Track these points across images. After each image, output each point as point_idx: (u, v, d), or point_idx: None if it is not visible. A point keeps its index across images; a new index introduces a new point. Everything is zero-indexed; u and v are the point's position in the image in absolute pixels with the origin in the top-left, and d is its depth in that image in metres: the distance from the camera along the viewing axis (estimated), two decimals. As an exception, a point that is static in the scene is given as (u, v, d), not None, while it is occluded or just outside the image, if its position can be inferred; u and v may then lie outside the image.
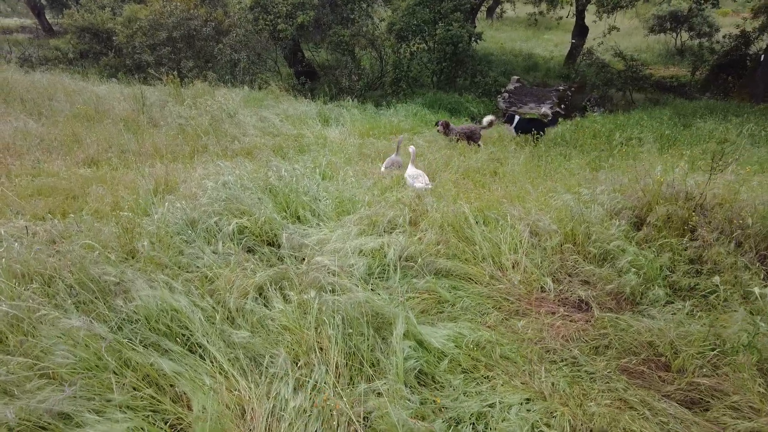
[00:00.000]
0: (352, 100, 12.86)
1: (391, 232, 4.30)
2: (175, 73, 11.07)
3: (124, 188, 5.22)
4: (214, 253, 3.81)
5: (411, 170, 5.71)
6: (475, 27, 16.98)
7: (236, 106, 9.66)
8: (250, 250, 4.14)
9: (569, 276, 3.96)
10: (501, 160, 7.35)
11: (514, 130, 9.06)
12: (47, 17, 26.67)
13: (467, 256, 4.09)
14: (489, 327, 3.41)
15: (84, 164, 6.15)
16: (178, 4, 16.56)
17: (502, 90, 17.25)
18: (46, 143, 6.96)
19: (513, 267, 4.02)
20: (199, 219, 4.27)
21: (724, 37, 17.86)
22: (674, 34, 24.15)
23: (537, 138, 8.81)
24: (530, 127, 8.93)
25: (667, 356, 3.05)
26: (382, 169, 6.36)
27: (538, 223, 4.37)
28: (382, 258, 3.77)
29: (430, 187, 5.47)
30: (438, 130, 8.73)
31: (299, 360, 2.84)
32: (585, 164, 6.85)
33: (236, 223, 4.17)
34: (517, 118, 8.96)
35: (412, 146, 6.03)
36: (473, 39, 14.62)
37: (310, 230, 4.46)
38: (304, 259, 3.91)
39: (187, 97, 10.52)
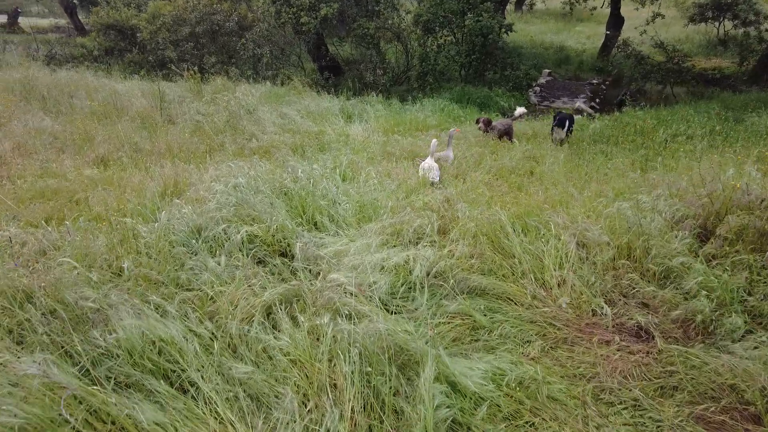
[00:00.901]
0: (377, 96, 12.38)
1: (417, 243, 3.82)
2: (196, 68, 10.82)
3: (131, 191, 4.87)
4: (218, 264, 3.40)
5: (428, 161, 5.60)
6: (505, 19, 16.26)
7: (256, 102, 9.31)
8: (260, 262, 3.72)
9: (624, 297, 3.41)
10: (537, 159, 6.77)
11: (562, 131, 8.07)
12: (79, 17, 26.99)
13: (505, 271, 3.58)
14: (532, 359, 2.90)
15: (93, 164, 5.85)
16: (201, -1, 16.35)
17: (534, 84, 16.51)
18: (60, 142, 6.71)
19: (558, 285, 3.49)
20: (206, 226, 3.88)
21: (775, 24, 16.72)
22: (716, 23, 22.80)
23: (569, 133, 8.15)
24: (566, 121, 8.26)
25: (756, 405, 2.49)
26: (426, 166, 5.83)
27: (586, 233, 3.82)
28: (407, 275, 3.29)
29: (435, 180, 5.44)
30: (479, 128, 8.08)
31: (308, 401, 2.39)
32: (631, 164, 6.22)
33: (246, 231, 3.76)
34: (567, 119, 7.97)
35: (434, 139, 5.73)
36: (504, 30, 13.93)
37: (327, 239, 4.02)
38: (319, 272, 3.48)
39: (207, 93, 10.23)
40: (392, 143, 7.57)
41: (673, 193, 4.19)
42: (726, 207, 3.80)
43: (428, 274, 3.27)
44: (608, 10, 20.05)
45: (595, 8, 20.84)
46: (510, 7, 27.86)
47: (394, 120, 9.11)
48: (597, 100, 15.71)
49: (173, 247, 3.55)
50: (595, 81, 17.96)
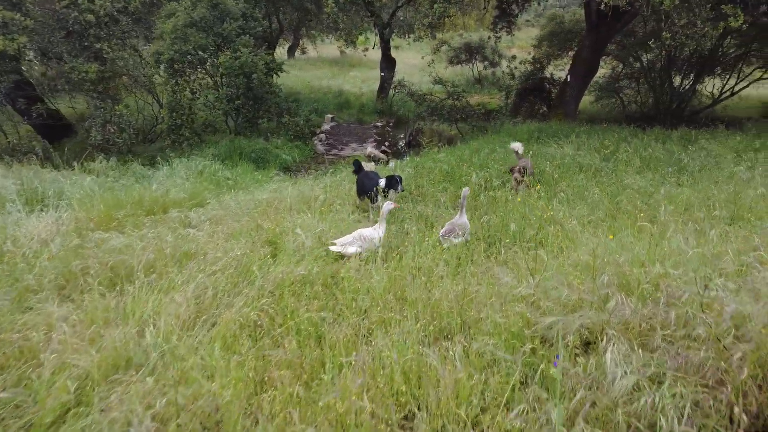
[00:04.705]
0: (108, 161, 8.78)
1: None
2: None
3: None
4: None
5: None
6: (274, 60, 14.18)
7: None
8: None
9: None
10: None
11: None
12: None
13: None
14: None
15: None
16: None
17: (318, 131, 14.70)
18: None
19: None
20: None
21: (521, 63, 18.26)
22: (470, 65, 25.15)
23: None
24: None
25: None
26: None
27: None
28: None
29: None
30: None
31: None
32: (474, 232, 4.26)
33: None
34: (382, 181, 5.86)
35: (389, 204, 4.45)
36: (270, 70, 11.61)
37: None
38: None
39: None
40: (107, 247, 4.31)
41: (628, 330, 2.09)
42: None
43: None
44: (379, 54, 19.87)
45: (367, 49, 20.55)
46: (281, 52, 26.43)
47: (114, 200, 5.76)
48: (387, 144, 14.62)
49: None
50: (379, 123, 17.11)
